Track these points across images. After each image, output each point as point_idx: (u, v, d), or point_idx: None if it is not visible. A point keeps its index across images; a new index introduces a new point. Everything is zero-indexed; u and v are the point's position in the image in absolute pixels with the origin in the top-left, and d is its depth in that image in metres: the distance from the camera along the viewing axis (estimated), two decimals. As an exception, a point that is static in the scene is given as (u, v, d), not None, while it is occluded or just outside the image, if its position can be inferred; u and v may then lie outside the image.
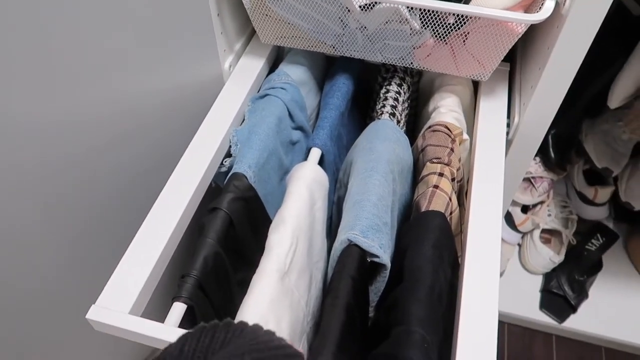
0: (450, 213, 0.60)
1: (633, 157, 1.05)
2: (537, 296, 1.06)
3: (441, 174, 0.61)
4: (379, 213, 0.56)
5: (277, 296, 0.50)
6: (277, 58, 0.78)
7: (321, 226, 0.63)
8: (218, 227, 0.55)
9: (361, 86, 0.79)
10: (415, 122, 0.84)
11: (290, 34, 0.67)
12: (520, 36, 0.57)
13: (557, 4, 0.54)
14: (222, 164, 0.66)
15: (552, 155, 1.00)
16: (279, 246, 0.53)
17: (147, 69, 0.61)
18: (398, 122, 0.68)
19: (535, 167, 1.02)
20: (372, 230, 0.54)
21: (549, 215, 1.08)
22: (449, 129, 0.65)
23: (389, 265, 0.55)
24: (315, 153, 0.64)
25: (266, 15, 0.65)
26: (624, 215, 1.13)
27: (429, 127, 0.67)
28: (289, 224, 0.54)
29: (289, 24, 0.65)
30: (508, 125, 0.69)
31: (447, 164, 0.62)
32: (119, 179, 0.66)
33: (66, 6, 0.46)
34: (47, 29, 0.46)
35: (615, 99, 0.81)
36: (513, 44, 0.59)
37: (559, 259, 1.04)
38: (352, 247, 0.54)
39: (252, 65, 0.73)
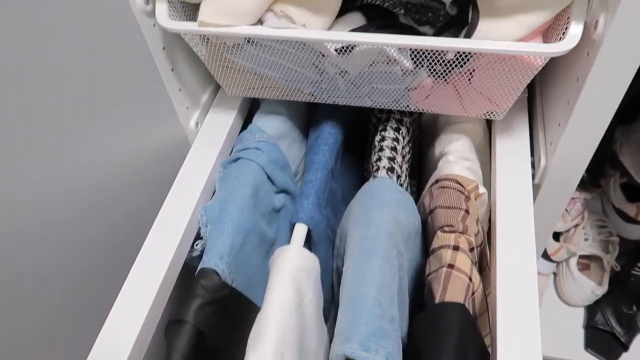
0: (472, 294, 0.49)
1: (678, 165, 0.91)
2: (581, 333, 0.93)
3: (456, 248, 0.49)
4: (382, 311, 0.44)
5: None
6: (252, 106, 0.67)
7: (315, 320, 0.51)
8: (184, 346, 0.44)
9: (355, 124, 0.68)
10: (420, 161, 0.72)
11: (259, 85, 0.56)
12: (539, 69, 0.45)
13: (585, 28, 0.42)
14: (192, 247, 0.55)
15: (584, 173, 0.87)
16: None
17: (102, 138, 0.51)
18: (398, 176, 0.57)
19: (565, 188, 0.89)
20: (375, 337, 0.43)
21: (586, 239, 0.94)
22: (460, 184, 0.53)
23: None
24: (300, 230, 0.53)
25: (227, 67, 0.54)
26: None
27: (437, 181, 0.55)
28: (270, 339, 0.43)
29: (255, 74, 0.54)
30: (533, 166, 0.57)
31: (463, 232, 0.50)
32: (84, 260, 0.56)
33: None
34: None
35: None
36: (531, 78, 0.47)
37: (601, 290, 0.91)
38: (350, 362, 0.42)
39: (222, 121, 0.62)
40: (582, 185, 0.89)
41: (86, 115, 0.48)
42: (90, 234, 0.56)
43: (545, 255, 0.94)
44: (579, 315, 0.96)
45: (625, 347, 0.90)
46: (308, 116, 0.68)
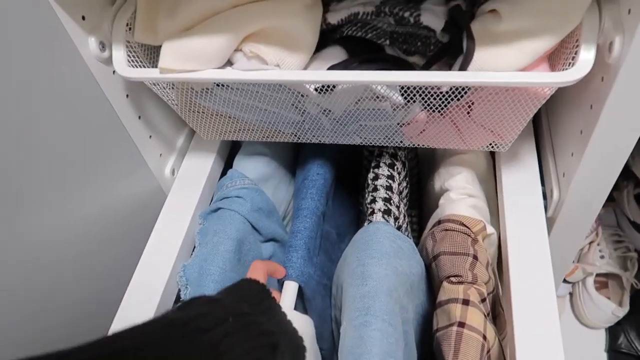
0: (488, 351, 0.43)
1: (694, 172, 0.85)
2: (603, 358, 0.87)
3: (466, 302, 0.43)
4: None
5: None
6: (233, 146, 0.61)
7: None
8: None
9: (347, 155, 0.62)
10: (419, 189, 0.67)
11: (236, 128, 0.51)
12: (546, 99, 0.40)
13: (597, 51, 0.37)
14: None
15: (595, 187, 0.81)
16: None
17: (69, 198, 0.46)
18: (396, 219, 0.51)
19: (576, 204, 0.83)
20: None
21: (602, 257, 0.88)
22: (466, 226, 0.47)
23: None
24: (291, 289, 0.47)
25: (199, 112, 0.49)
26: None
27: (439, 222, 0.50)
28: None
29: (230, 118, 0.49)
30: (544, 197, 0.52)
31: (472, 283, 0.44)
32: (59, 322, 0.51)
33: None
34: None
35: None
36: (538, 108, 0.41)
37: (622, 311, 0.85)
38: None
39: (200, 166, 0.57)
40: (594, 200, 0.83)
41: (48, 176, 0.42)
42: (64, 298, 0.51)
43: (560, 277, 0.88)
44: (600, 337, 0.89)
45: (652, 372, 0.84)
46: (295, 152, 0.63)
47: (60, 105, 0.41)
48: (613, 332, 0.88)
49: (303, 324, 0.46)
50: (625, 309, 0.86)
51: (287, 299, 0.47)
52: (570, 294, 0.94)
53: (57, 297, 0.48)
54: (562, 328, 0.94)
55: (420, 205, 0.69)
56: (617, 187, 0.91)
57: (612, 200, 0.91)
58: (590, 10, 0.37)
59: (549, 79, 0.37)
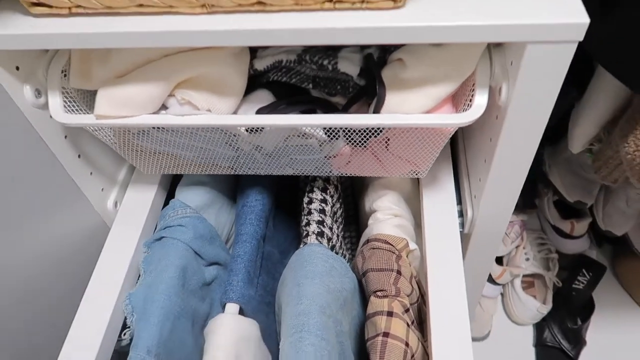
0: (412, 357, 0.48)
1: (604, 179, 0.94)
2: (532, 352, 0.95)
3: (390, 313, 0.48)
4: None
5: None
6: (174, 177, 0.64)
7: None
8: None
9: (286, 188, 0.66)
10: (355, 209, 0.71)
11: (174, 163, 0.54)
12: (451, 134, 0.45)
13: (491, 93, 0.42)
14: (120, 337, 0.52)
15: (518, 196, 0.89)
16: None
17: (14, 235, 0.47)
18: (329, 239, 0.55)
19: (502, 211, 0.91)
20: None
21: (527, 259, 0.96)
22: (389, 244, 0.52)
23: None
24: (232, 310, 0.51)
25: (138, 150, 0.51)
26: (606, 240, 1.03)
27: (367, 241, 0.54)
28: None
29: (169, 154, 0.52)
30: (462, 215, 0.57)
31: (396, 295, 0.49)
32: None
33: None
34: None
35: (577, 144, 0.71)
36: (445, 142, 0.47)
37: (546, 308, 0.93)
38: None
39: (142, 198, 0.59)
40: (518, 208, 0.90)
41: None
42: (10, 331, 0.52)
43: (491, 279, 0.96)
44: (529, 334, 0.98)
45: (574, 361, 0.92)
46: (235, 178, 0.66)
47: (2, 151, 0.43)
48: (539, 328, 0.96)
49: (246, 329, 0.49)
50: (549, 306, 0.94)
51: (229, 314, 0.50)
52: (502, 294, 1.01)
53: (13, 322, 0.50)
54: (495, 328, 1.02)
55: (357, 221, 0.74)
56: (538, 195, 0.99)
57: (534, 207, 1.00)
58: (483, 60, 0.42)
59: (448, 120, 0.42)
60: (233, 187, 0.66)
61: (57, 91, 0.45)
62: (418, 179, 0.61)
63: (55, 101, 0.45)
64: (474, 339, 0.96)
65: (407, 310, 0.50)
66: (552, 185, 0.93)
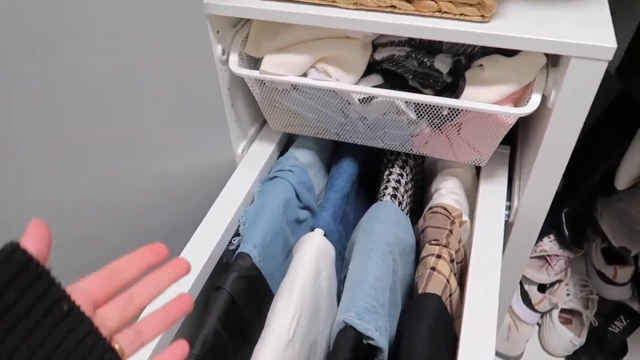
0: (450, 295, 0.61)
1: (652, 236, 1.03)
2: (560, 381, 1.02)
3: (439, 256, 0.62)
4: (376, 295, 0.57)
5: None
6: (288, 141, 0.83)
7: (327, 294, 0.64)
8: (220, 305, 0.58)
9: (370, 167, 0.83)
10: (422, 202, 0.86)
11: (297, 123, 0.73)
12: (510, 127, 0.61)
13: (544, 98, 0.58)
14: (230, 242, 0.69)
15: (567, 233, 1.00)
16: (284, 315, 0.55)
17: (166, 152, 0.67)
18: (400, 203, 0.71)
19: (551, 246, 1.02)
20: (368, 312, 0.56)
21: (568, 294, 1.05)
22: (447, 211, 0.67)
23: (385, 347, 0.56)
24: (319, 232, 0.67)
25: (275, 107, 0.71)
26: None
27: (430, 208, 0.69)
28: (295, 292, 0.57)
29: (295, 114, 0.71)
30: (509, 208, 0.71)
31: (445, 246, 0.63)
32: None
33: (100, 90, 0.52)
34: (79, 112, 0.51)
35: (622, 181, 0.82)
36: (505, 134, 0.62)
37: (579, 341, 1.00)
38: (347, 329, 0.55)
39: (263, 150, 0.78)
40: (566, 245, 1.01)
41: (163, 133, 0.64)
42: (148, 229, 0.70)
43: (530, 306, 1.05)
44: (560, 365, 1.04)
45: (599, 397, 0.98)
46: (332, 154, 0.84)
47: (191, 82, 0.64)
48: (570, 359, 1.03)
49: (329, 246, 0.65)
50: (582, 340, 1.02)
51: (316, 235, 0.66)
52: (539, 325, 1.10)
53: (152, 220, 0.68)
54: (527, 353, 1.10)
55: (422, 207, 0.89)
56: (588, 239, 1.09)
57: (582, 248, 1.09)
58: (541, 72, 0.58)
59: (509, 110, 0.58)
60: (330, 161, 0.84)
61: (236, 53, 0.66)
62: (478, 175, 0.76)
63: (233, 58, 0.66)
64: (507, 358, 1.05)
65: (452, 261, 0.64)
66: (602, 232, 1.03)
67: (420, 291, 0.59)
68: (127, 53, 0.53)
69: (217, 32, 0.65)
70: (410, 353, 0.53)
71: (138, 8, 0.52)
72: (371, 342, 0.55)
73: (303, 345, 0.57)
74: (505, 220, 0.70)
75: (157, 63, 0.57)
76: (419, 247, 0.70)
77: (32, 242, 0.26)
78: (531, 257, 1.02)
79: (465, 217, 0.68)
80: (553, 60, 0.59)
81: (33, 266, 0.25)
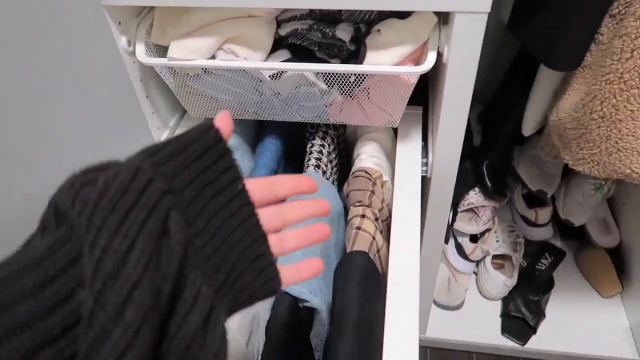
0: (378, 251, 0.65)
1: (565, 176, 1.12)
2: (498, 321, 1.09)
3: (363, 216, 0.65)
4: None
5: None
6: (211, 128, 0.84)
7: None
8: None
9: (297, 143, 0.85)
10: (349, 171, 0.89)
11: (215, 107, 0.73)
12: (414, 86, 0.64)
13: (440, 55, 0.62)
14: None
15: (489, 184, 1.06)
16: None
17: (84, 150, 0.65)
18: (324, 172, 0.74)
19: (477, 198, 1.08)
20: (300, 277, 0.58)
21: (497, 241, 1.12)
22: (368, 173, 0.70)
23: (321, 307, 0.59)
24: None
25: (190, 93, 0.71)
26: (569, 232, 1.19)
27: (352, 173, 0.72)
28: None
29: (212, 98, 0.72)
30: (426, 164, 0.75)
31: (368, 206, 0.67)
32: None
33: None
34: None
35: (527, 127, 0.89)
36: (410, 93, 0.66)
37: (512, 282, 1.08)
38: (283, 296, 0.57)
39: (187, 138, 0.78)
40: (490, 195, 1.08)
41: (78, 131, 0.63)
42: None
43: (465, 256, 1.12)
44: (497, 306, 1.12)
45: (534, 330, 1.06)
46: (256, 137, 0.86)
47: (99, 78, 0.63)
48: (505, 301, 1.11)
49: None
50: (514, 280, 1.09)
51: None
52: (475, 273, 1.17)
53: None
54: (468, 301, 1.17)
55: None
56: (509, 188, 1.17)
57: (505, 196, 1.16)
58: (434, 31, 0.62)
59: (408, 70, 0.61)
60: (254, 142, 0.85)
61: (142, 42, 0.66)
62: (396, 136, 0.80)
63: (140, 48, 0.66)
64: (449, 308, 1.11)
65: (376, 219, 0.68)
66: (521, 179, 1.11)
67: (348, 250, 0.62)
68: (25, 55, 0.52)
69: (119, 23, 0.64)
70: (342, 308, 0.56)
71: (31, 8, 0.51)
72: (306, 304, 0.58)
73: (244, 318, 0.59)
74: (424, 176, 0.74)
75: (60, 62, 0.56)
76: (347, 212, 0.74)
77: (220, 126, 0.32)
78: (460, 211, 1.08)
79: (385, 177, 0.72)
80: (444, 19, 0.62)
81: (222, 145, 0.31)
